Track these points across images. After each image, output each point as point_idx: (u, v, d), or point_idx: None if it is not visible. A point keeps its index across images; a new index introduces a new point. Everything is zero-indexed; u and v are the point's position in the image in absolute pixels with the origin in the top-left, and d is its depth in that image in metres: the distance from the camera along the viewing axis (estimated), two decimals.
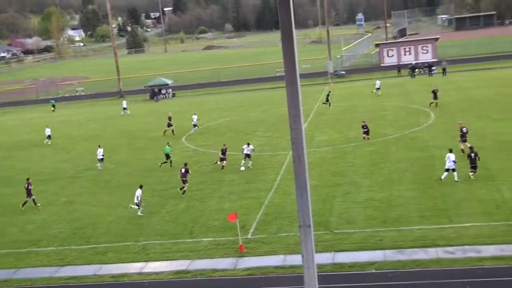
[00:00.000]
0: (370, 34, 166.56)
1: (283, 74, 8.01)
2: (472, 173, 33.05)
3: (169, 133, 54.85)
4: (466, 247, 24.64)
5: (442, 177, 32.97)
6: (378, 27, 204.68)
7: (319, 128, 52.00)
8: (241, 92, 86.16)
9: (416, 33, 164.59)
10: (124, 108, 74.12)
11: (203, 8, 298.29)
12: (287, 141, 45.26)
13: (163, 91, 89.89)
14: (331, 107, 61.26)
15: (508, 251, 23.84)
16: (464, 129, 38.73)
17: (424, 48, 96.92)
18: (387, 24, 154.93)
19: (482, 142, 40.70)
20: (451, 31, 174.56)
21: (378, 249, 25.35)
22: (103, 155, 45.14)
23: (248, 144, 40.98)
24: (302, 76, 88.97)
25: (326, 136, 48.40)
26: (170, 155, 43.65)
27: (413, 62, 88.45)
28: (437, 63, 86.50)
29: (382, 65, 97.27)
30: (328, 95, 62.89)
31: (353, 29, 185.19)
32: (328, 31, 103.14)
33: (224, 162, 40.53)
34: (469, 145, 36.60)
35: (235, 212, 27.75)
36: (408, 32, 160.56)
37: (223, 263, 25.86)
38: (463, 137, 38.50)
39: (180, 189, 36.13)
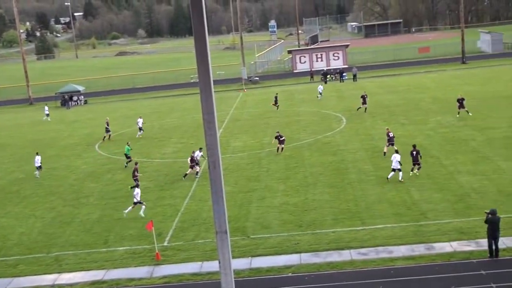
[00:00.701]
0: (282, 40, 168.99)
1: (197, 80, 7.99)
2: (416, 170, 34.74)
3: (107, 138, 53.94)
4: (379, 248, 25.33)
5: (389, 176, 34.11)
6: (291, 34, 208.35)
7: (234, 134, 52.22)
8: (155, 99, 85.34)
9: (327, 40, 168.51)
10: (47, 114, 72.43)
11: (115, 13, 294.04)
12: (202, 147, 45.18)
13: (75, 98, 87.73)
14: (278, 109, 62.08)
15: (418, 251, 24.71)
16: (390, 134, 40.34)
17: (335, 54, 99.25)
18: (299, 31, 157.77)
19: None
20: (361, 38, 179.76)
21: (294, 252, 25.66)
22: (41, 163, 43.31)
23: (200, 149, 40.22)
24: (217, 82, 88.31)
25: (241, 142, 48.65)
26: (129, 155, 43.28)
27: (325, 69, 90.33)
28: (348, 69, 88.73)
29: (295, 71, 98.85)
30: (276, 97, 63.59)
31: (266, 36, 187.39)
32: (241, 38, 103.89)
33: (197, 168, 39.20)
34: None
35: (151, 220, 27.42)
36: (319, 39, 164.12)
37: (140, 271, 25.47)
38: (390, 141, 40.00)
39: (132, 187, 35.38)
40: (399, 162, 33.94)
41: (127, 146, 43.92)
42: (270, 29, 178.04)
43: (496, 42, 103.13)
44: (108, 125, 54.22)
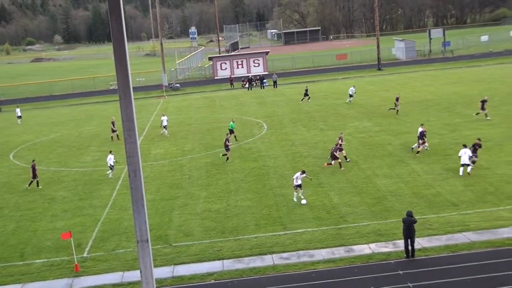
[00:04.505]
0: (203, 47, 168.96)
1: (117, 87, 7.88)
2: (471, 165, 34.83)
3: (114, 138, 52.72)
4: (300, 252, 25.65)
5: (460, 173, 34.17)
6: (211, 41, 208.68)
7: (155, 141, 51.70)
8: (73, 106, 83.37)
9: (248, 47, 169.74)
10: (19, 116, 70.15)
11: (30, 18, 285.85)
12: (122, 155, 44.51)
13: None
14: (309, 101, 65.42)
15: (338, 253, 25.19)
16: (423, 131, 39.78)
17: (256, 61, 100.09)
18: (220, 38, 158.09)
19: (312, 150, 42.79)
20: (280, 45, 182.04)
21: (217, 259, 25.65)
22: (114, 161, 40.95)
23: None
24: (137, 89, 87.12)
25: (162, 149, 48.22)
26: (234, 131, 48.31)
27: (250, 75, 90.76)
28: (268, 76, 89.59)
29: (215, 78, 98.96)
30: (306, 89, 66.96)
31: (187, 42, 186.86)
32: (161, 44, 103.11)
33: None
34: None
35: (69, 231, 26.75)
36: (240, 46, 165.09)
37: (58, 284, 24.76)
38: (422, 138, 39.56)
39: None
40: (470, 156, 34.26)
41: (231, 123, 48.90)
42: (190, 36, 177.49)
43: (409, 50, 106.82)
44: (114, 125, 52.96)
